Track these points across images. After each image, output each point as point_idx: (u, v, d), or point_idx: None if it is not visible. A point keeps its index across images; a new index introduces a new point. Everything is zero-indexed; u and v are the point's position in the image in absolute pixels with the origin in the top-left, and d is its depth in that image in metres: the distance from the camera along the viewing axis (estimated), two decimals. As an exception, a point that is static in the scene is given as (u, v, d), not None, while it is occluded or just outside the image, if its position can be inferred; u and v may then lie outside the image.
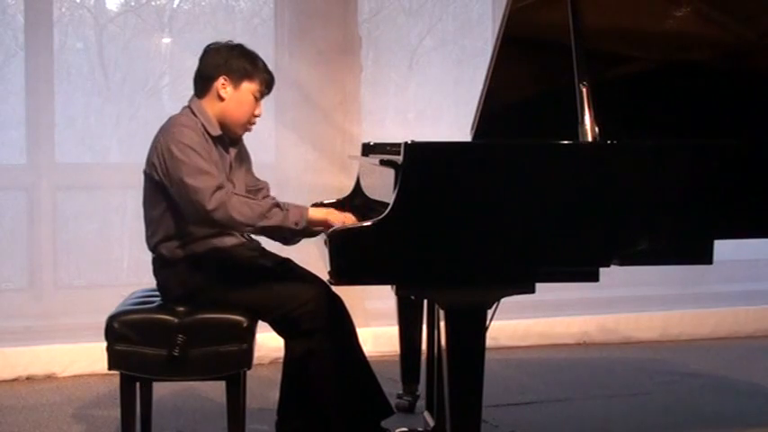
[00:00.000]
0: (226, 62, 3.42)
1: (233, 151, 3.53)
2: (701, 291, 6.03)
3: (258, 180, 3.70)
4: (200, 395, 4.36)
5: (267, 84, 3.48)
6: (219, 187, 3.22)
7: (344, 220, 3.28)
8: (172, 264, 3.38)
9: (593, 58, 3.24)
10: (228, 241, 3.46)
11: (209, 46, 3.50)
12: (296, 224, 3.26)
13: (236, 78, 3.42)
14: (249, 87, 3.44)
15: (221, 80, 3.42)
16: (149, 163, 3.37)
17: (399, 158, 2.90)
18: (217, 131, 3.42)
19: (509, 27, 3.67)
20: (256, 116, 3.49)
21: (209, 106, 3.44)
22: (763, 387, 4.75)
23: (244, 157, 3.63)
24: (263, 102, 3.52)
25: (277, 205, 3.27)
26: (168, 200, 3.35)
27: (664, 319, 5.85)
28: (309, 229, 3.31)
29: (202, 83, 3.47)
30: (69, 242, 5.27)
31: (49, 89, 5.13)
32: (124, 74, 5.39)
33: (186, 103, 3.51)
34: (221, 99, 3.42)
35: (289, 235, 3.34)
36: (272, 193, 3.70)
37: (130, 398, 3.31)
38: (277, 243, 3.46)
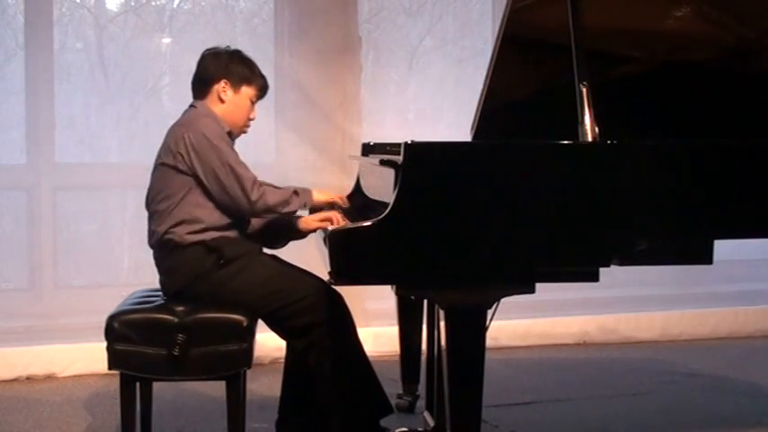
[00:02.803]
0: (226, 66, 3.51)
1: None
2: (701, 291, 6.03)
3: None
4: (200, 395, 4.36)
5: (263, 89, 3.59)
6: (256, 179, 3.38)
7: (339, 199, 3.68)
8: (182, 247, 3.38)
9: (593, 58, 3.24)
10: (232, 234, 3.46)
11: (207, 51, 3.58)
12: (305, 205, 3.54)
13: (237, 82, 3.51)
14: (248, 92, 3.54)
15: (222, 83, 3.50)
16: (172, 153, 3.39)
17: (399, 158, 2.90)
18: (227, 128, 3.50)
19: (509, 27, 3.66)
20: (251, 119, 3.59)
21: (212, 108, 3.50)
22: (763, 387, 4.74)
23: None
24: (260, 104, 3.62)
25: (295, 192, 3.47)
26: (185, 189, 3.38)
27: (664, 319, 5.85)
28: (309, 220, 3.55)
29: (202, 86, 3.53)
30: (69, 242, 5.27)
31: (48, 89, 5.13)
32: (124, 74, 5.39)
33: (188, 106, 3.55)
34: (221, 102, 3.50)
35: (277, 234, 3.54)
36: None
37: (130, 398, 3.30)
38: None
